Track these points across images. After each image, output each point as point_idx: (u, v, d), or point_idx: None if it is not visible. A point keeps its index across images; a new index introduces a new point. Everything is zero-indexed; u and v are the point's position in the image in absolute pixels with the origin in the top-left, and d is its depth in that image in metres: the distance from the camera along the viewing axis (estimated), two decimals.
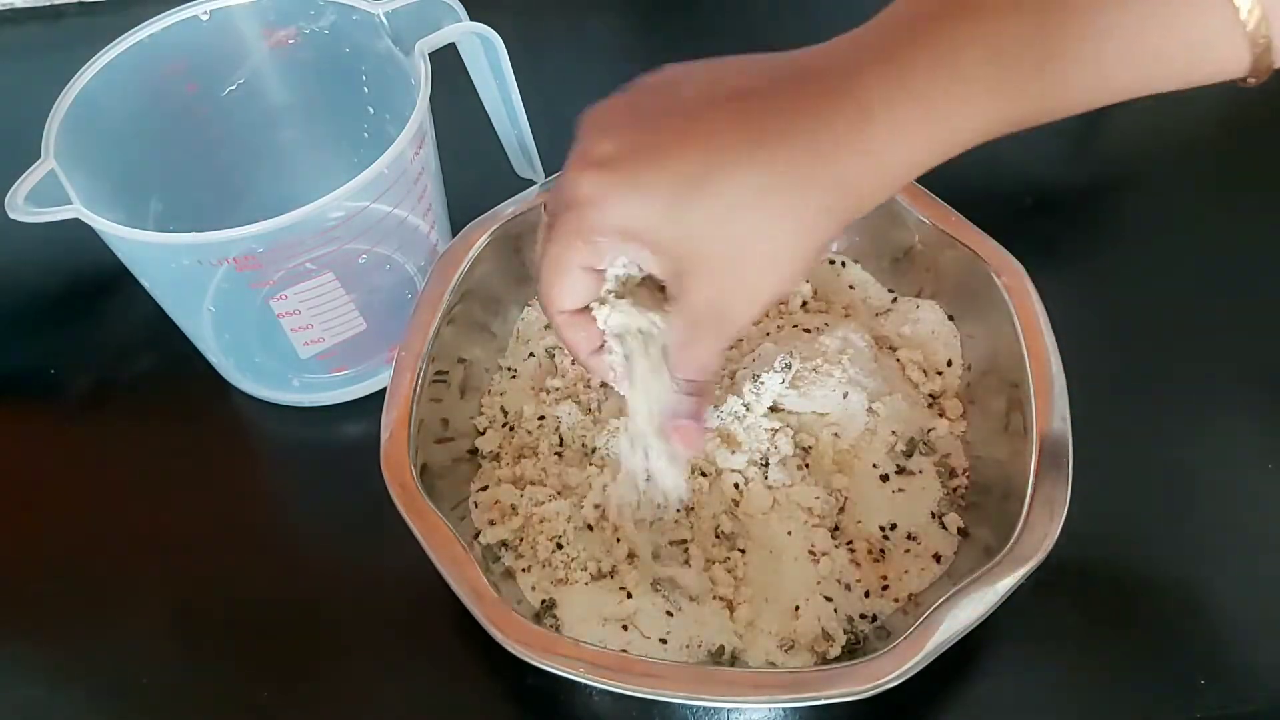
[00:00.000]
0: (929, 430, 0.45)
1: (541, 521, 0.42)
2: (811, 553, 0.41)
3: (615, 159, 0.31)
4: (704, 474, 0.42)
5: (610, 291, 0.35)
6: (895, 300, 0.50)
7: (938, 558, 0.42)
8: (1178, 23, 0.28)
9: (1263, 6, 0.27)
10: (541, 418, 0.46)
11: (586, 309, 0.36)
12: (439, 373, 0.44)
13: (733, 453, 0.42)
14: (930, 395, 0.46)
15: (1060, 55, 0.29)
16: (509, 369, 0.49)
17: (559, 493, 0.43)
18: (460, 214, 0.50)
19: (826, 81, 0.30)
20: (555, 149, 0.52)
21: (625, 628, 0.40)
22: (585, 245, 0.33)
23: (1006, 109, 0.30)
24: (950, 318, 0.48)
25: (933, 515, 0.43)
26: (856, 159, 0.30)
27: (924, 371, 0.47)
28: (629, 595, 0.40)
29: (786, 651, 0.39)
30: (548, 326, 0.50)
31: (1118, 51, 0.29)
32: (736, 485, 0.42)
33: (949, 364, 0.47)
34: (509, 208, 0.48)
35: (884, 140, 0.30)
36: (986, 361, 0.45)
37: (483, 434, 0.47)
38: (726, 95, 0.31)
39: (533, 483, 0.44)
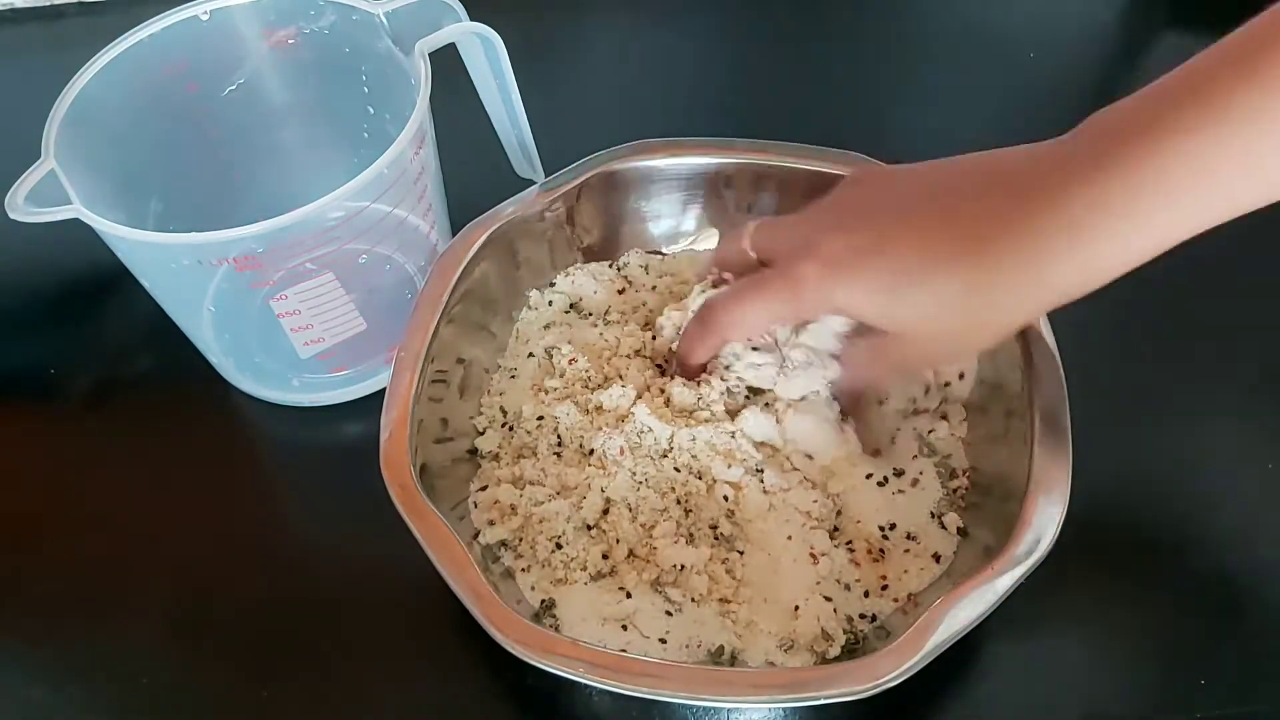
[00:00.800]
0: (929, 431, 0.45)
1: (541, 521, 0.42)
2: (811, 553, 0.41)
3: (839, 258, 0.36)
4: (699, 476, 0.42)
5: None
6: None
7: (937, 558, 0.42)
8: None
9: None
10: (540, 418, 0.46)
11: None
12: (438, 372, 0.44)
13: (729, 466, 0.42)
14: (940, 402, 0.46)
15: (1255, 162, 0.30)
16: (508, 369, 0.49)
17: (558, 493, 0.43)
18: (460, 214, 0.51)
19: (1033, 193, 0.33)
20: (555, 149, 0.52)
21: (625, 627, 0.40)
22: (789, 311, 0.39)
23: (1210, 214, 0.32)
24: None
25: (932, 515, 0.43)
26: (1063, 265, 0.33)
27: (927, 388, 0.46)
28: (628, 595, 0.40)
29: (786, 651, 0.39)
30: (547, 326, 0.50)
31: None
32: (726, 497, 0.42)
33: (960, 377, 0.46)
34: (509, 208, 0.48)
35: (1091, 249, 0.32)
36: (987, 362, 0.45)
37: (482, 434, 0.47)
38: (936, 196, 0.35)
39: (532, 483, 0.44)
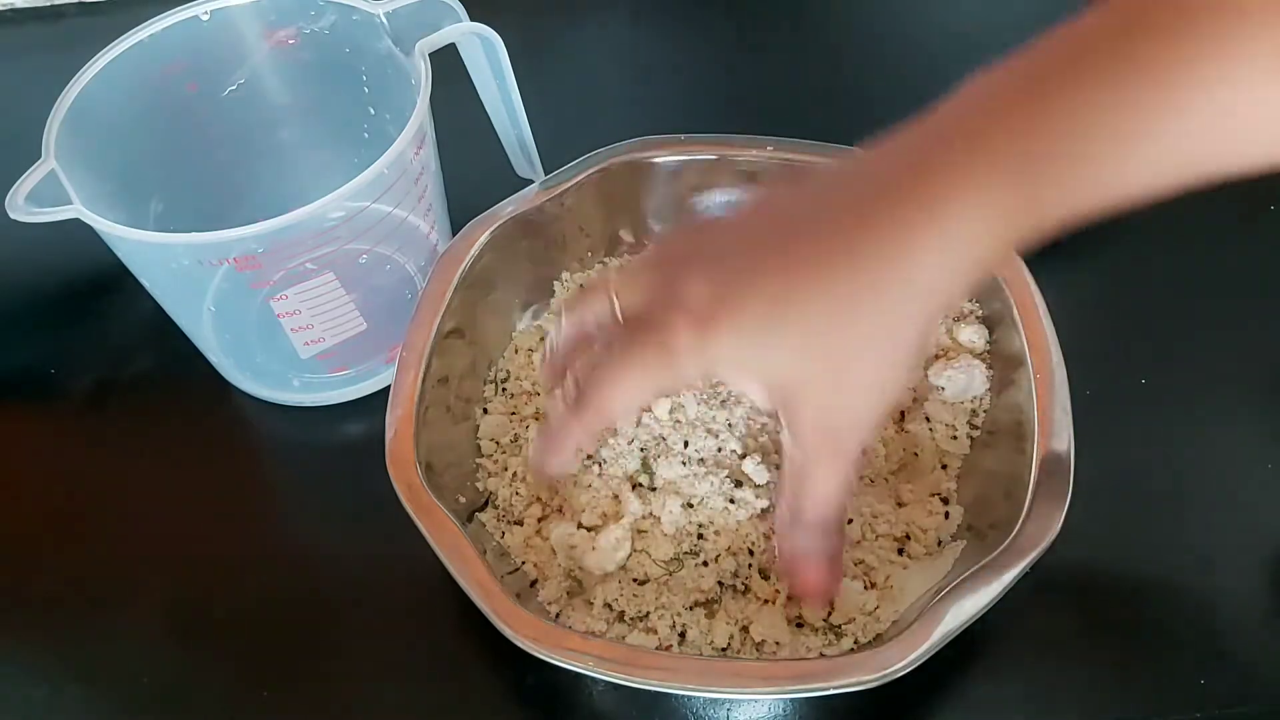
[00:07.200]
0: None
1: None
2: None
3: (706, 308, 0.31)
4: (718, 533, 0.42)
5: None
6: None
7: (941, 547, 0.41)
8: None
9: None
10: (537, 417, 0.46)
11: None
12: (441, 371, 0.44)
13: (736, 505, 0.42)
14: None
15: (1092, 158, 0.29)
16: (509, 368, 0.49)
17: (560, 510, 0.43)
18: (460, 214, 0.50)
19: (878, 197, 0.31)
20: (555, 149, 0.52)
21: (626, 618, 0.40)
22: (668, 379, 0.33)
23: (1035, 214, 0.30)
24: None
25: (935, 512, 0.43)
26: (922, 260, 0.30)
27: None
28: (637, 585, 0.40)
29: (790, 645, 0.39)
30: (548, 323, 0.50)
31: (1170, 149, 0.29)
32: (750, 550, 0.42)
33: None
34: (509, 206, 0.48)
35: (939, 242, 0.30)
36: (998, 366, 0.45)
37: (484, 432, 0.47)
38: (782, 225, 0.32)
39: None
